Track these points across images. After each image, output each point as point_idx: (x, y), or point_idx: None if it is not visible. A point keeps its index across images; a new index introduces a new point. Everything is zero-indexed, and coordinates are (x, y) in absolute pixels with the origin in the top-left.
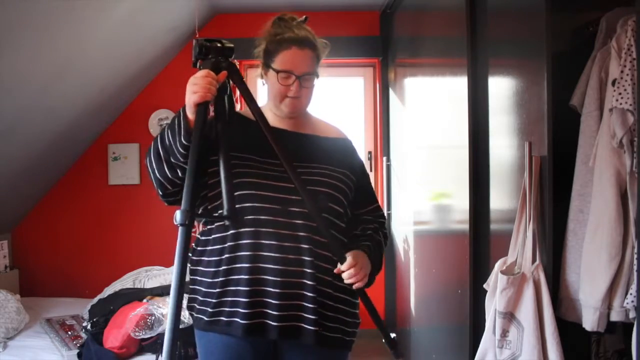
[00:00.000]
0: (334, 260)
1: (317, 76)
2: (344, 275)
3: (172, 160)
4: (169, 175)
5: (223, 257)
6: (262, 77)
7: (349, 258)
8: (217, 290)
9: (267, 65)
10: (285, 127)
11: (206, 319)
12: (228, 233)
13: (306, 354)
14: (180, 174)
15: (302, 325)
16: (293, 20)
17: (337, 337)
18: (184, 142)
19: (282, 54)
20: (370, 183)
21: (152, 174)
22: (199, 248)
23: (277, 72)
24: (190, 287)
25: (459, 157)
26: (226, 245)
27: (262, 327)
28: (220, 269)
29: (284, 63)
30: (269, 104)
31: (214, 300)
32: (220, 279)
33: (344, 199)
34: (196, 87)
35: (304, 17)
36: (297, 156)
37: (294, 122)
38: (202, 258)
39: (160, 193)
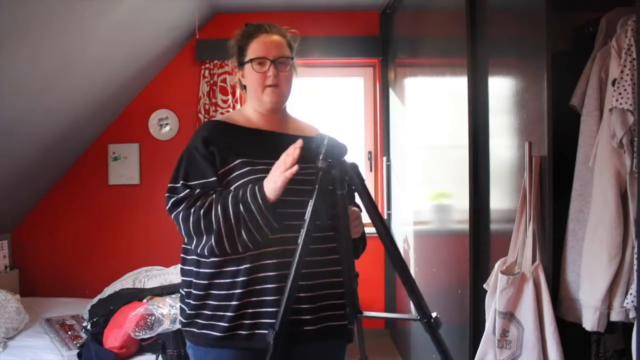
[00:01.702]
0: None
1: (292, 62)
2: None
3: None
4: (249, 247)
5: (242, 267)
6: (240, 82)
7: (356, 209)
8: (235, 302)
9: (241, 64)
10: (272, 128)
11: (217, 334)
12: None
13: (315, 349)
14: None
15: (336, 323)
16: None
17: (351, 327)
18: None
19: (252, 44)
20: None
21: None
22: (203, 259)
23: (252, 61)
24: (193, 302)
25: (459, 157)
26: (246, 255)
27: (295, 334)
28: (239, 279)
29: (255, 51)
30: (251, 104)
31: (230, 314)
32: (239, 290)
33: None
34: None
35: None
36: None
37: (278, 122)
38: (213, 270)
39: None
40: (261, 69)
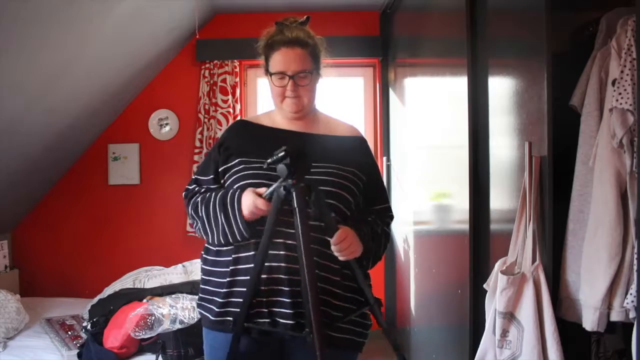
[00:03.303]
0: (341, 261)
1: (315, 73)
2: (333, 248)
3: (236, 241)
4: (231, 243)
5: (231, 257)
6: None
7: (339, 232)
8: (224, 290)
9: (266, 71)
10: (295, 128)
11: (212, 317)
12: None
13: (314, 353)
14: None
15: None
16: (291, 22)
17: (346, 337)
18: (246, 236)
19: (273, 56)
20: (381, 182)
21: (207, 238)
22: (212, 248)
23: (271, 74)
24: (201, 286)
25: (459, 157)
26: (232, 248)
27: (274, 328)
28: (229, 269)
29: (275, 65)
30: (276, 107)
31: (220, 300)
32: (228, 279)
33: (351, 197)
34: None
35: (305, 17)
36: None
37: (303, 123)
38: (215, 258)
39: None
40: (280, 83)
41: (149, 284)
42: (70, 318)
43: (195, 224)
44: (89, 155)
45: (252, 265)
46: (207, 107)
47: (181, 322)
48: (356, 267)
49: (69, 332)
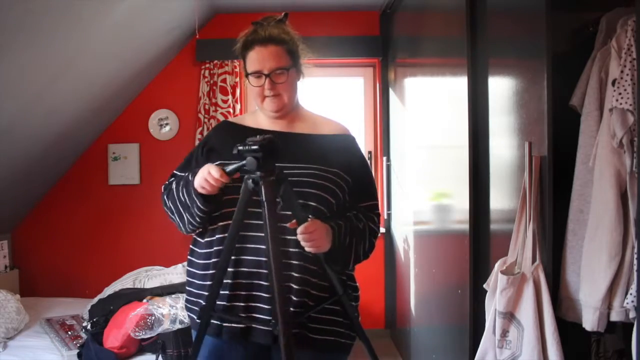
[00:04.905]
0: (321, 263)
1: (293, 70)
2: (298, 237)
3: (197, 219)
4: (196, 225)
5: (210, 260)
6: None
7: (307, 223)
8: (206, 293)
9: (245, 72)
10: (278, 128)
11: (197, 320)
12: (215, 237)
13: (298, 356)
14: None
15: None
16: (268, 22)
17: (330, 339)
18: (202, 208)
19: (248, 56)
20: (369, 180)
21: (179, 226)
22: (196, 249)
23: (248, 75)
24: (186, 287)
25: (459, 157)
26: (213, 249)
27: (249, 332)
28: (208, 272)
29: (250, 64)
30: (258, 108)
31: (203, 302)
32: (208, 282)
33: (333, 199)
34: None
35: (283, 14)
36: (286, 157)
37: (286, 122)
38: (199, 261)
39: (190, 231)
40: (258, 82)
41: (149, 284)
42: (70, 318)
43: (169, 215)
44: (89, 155)
45: (232, 269)
46: (207, 107)
47: (181, 322)
48: (324, 261)
49: (69, 332)
